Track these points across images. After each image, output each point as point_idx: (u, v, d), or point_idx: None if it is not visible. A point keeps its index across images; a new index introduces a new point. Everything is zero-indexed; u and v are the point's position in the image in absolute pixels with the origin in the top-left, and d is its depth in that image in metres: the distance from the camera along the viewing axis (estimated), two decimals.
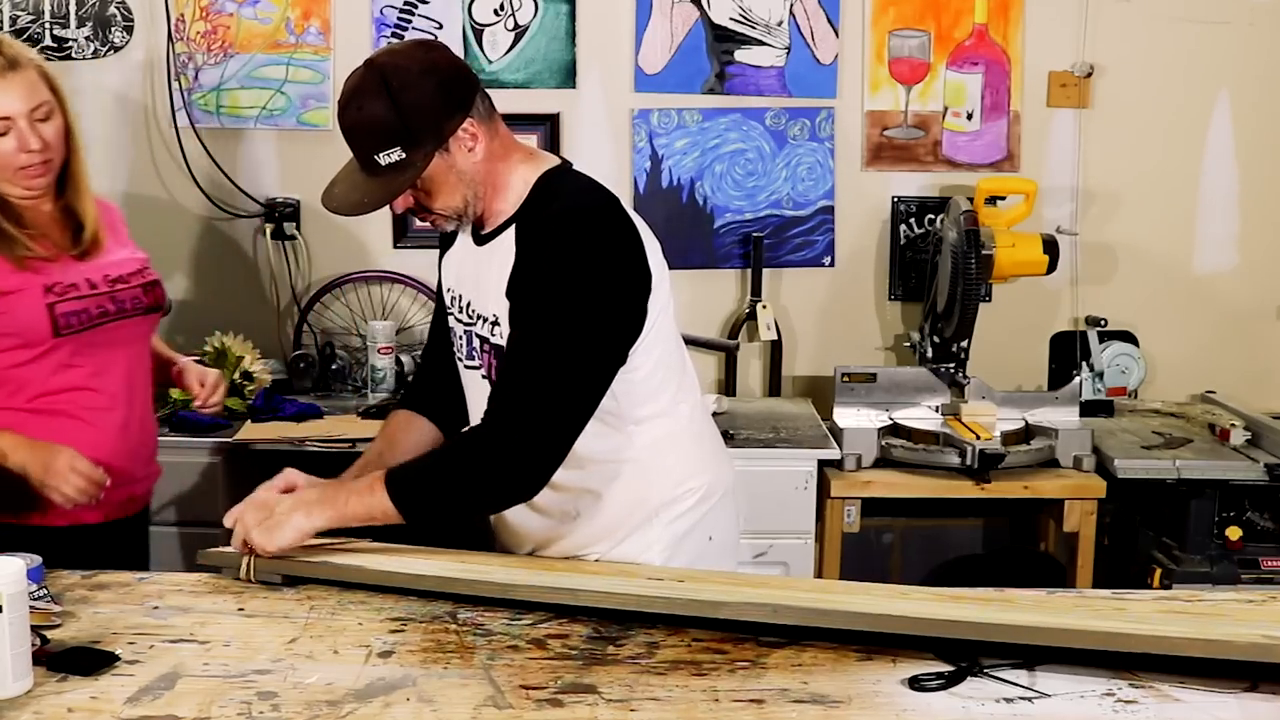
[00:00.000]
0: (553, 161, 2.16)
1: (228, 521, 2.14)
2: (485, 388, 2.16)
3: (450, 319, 2.27)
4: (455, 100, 2.03)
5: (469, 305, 2.19)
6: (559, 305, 2.01)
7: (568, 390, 2.02)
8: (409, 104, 1.99)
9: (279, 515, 2.09)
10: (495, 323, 2.11)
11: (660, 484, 2.20)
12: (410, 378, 3.65)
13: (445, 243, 2.29)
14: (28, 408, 2.33)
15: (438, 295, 2.35)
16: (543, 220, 2.06)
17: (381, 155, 2.01)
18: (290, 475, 2.22)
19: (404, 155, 2.01)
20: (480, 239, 2.15)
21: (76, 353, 2.34)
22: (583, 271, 2.03)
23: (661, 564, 2.19)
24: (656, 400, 2.17)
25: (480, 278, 2.14)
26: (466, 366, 2.23)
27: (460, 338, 2.23)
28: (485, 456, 2.02)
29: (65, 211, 2.40)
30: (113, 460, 2.37)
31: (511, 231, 2.09)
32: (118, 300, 2.41)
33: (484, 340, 2.14)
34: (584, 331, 2.02)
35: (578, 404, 2.04)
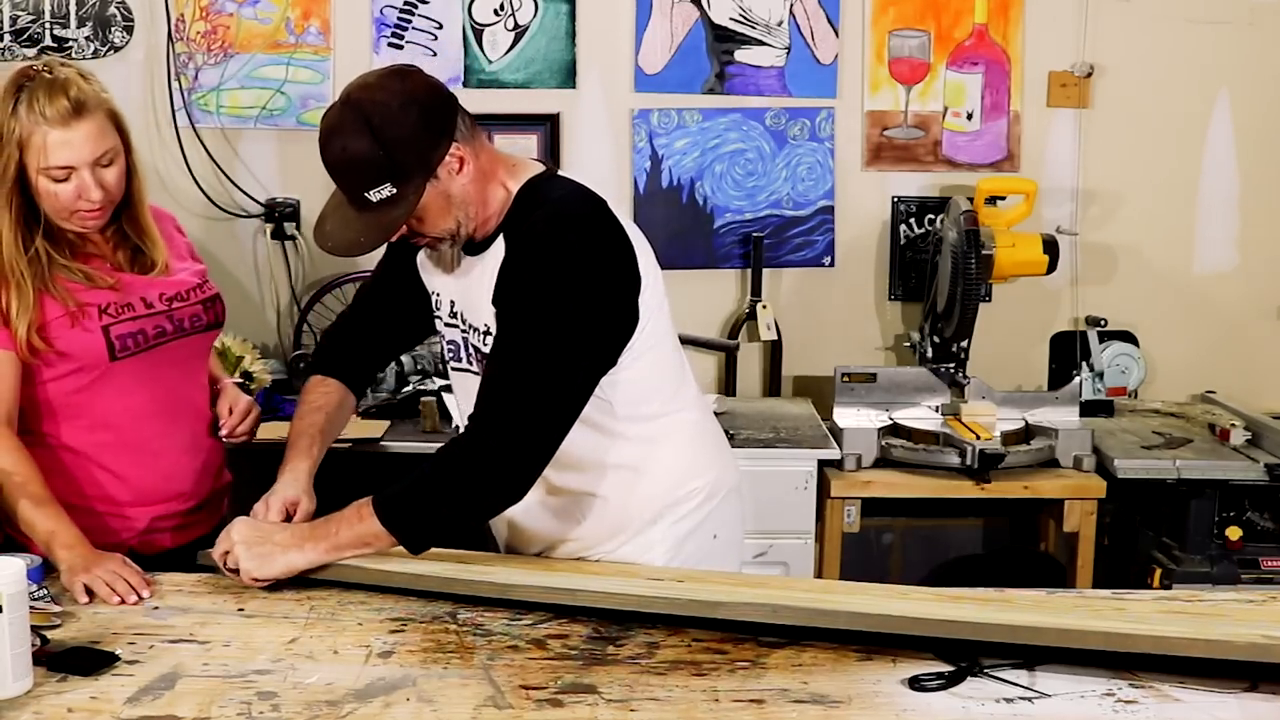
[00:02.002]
0: (537, 169, 2.15)
1: (220, 542, 2.10)
2: None
3: (439, 323, 2.26)
4: (438, 128, 2.01)
5: (462, 314, 2.19)
6: (541, 308, 2.00)
7: (550, 394, 2.00)
8: (393, 140, 1.96)
9: (272, 546, 2.06)
10: (488, 332, 2.10)
11: (662, 484, 2.20)
12: (411, 376, 3.64)
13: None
14: (88, 435, 2.25)
15: (382, 272, 2.35)
16: (527, 225, 2.05)
17: (372, 193, 1.98)
18: (287, 496, 2.21)
19: (395, 190, 1.98)
20: (473, 249, 2.14)
21: (134, 376, 2.26)
22: (566, 274, 2.01)
23: (665, 563, 2.19)
24: (653, 401, 2.17)
25: (471, 287, 2.14)
26: (462, 370, 2.23)
27: (452, 343, 2.23)
28: (469, 465, 2.01)
29: (122, 232, 2.30)
30: (180, 483, 2.33)
31: (500, 241, 2.09)
32: (175, 319, 2.32)
33: (477, 350, 2.14)
34: (567, 334, 2.00)
35: (561, 407, 2.02)
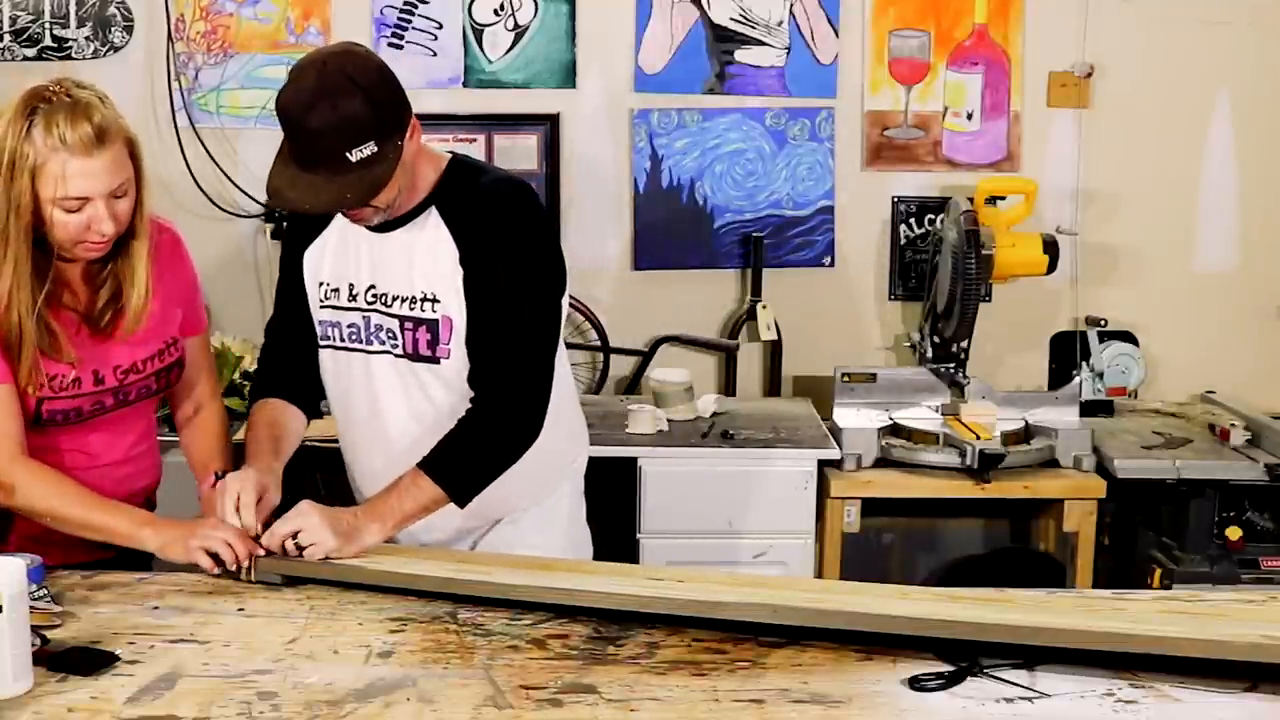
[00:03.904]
0: (445, 151, 2.28)
1: (287, 522, 2.10)
2: (401, 366, 2.22)
3: (327, 311, 2.28)
4: (404, 93, 2.10)
5: (370, 291, 2.22)
6: (532, 263, 2.17)
7: (548, 338, 2.21)
8: (382, 98, 2.04)
9: (348, 528, 2.10)
10: (429, 299, 2.17)
11: (567, 438, 2.38)
12: None
13: (300, 239, 2.31)
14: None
15: (283, 289, 2.35)
16: (486, 192, 2.17)
17: (354, 152, 2.01)
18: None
19: (376, 149, 2.03)
20: (387, 225, 2.18)
21: (63, 432, 2.20)
22: (540, 230, 2.22)
23: (568, 518, 2.40)
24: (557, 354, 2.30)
25: (396, 261, 2.19)
26: (362, 351, 2.25)
27: (349, 327, 2.25)
28: (502, 417, 2.17)
29: (106, 272, 2.17)
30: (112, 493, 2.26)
31: (433, 212, 2.17)
32: (121, 394, 2.23)
33: (405, 319, 2.19)
34: (552, 282, 2.22)
35: (553, 349, 2.22)
